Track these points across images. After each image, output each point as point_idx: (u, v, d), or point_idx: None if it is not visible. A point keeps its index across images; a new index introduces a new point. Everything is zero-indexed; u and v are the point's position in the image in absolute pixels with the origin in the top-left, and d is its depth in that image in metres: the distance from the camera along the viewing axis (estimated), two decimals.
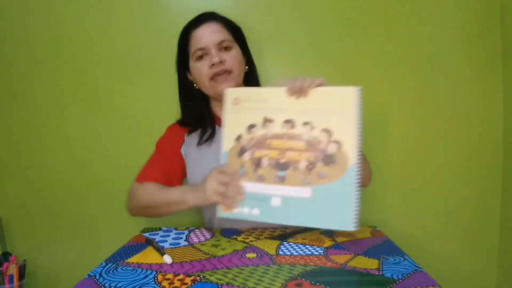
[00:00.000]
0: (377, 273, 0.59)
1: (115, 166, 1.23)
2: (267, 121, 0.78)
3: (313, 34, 1.19)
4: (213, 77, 0.90)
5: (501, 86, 1.17)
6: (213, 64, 0.89)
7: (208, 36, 0.90)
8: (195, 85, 0.97)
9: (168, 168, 0.95)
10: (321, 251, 0.70)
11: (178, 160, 0.97)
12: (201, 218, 1.05)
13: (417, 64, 1.19)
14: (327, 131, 0.74)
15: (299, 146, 0.75)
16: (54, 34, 1.22)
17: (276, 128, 0.77)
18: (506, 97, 1.16)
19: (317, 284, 0.56)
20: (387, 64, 1.19)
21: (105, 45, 1.22)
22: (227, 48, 0.91)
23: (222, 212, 0.80)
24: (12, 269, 1.08)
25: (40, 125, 1.24)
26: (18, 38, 1.23)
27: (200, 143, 0.95)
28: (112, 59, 1.22)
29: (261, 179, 0.77)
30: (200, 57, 0.91)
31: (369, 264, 0.63)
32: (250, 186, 0.78)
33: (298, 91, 0.76)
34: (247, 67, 0.98)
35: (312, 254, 0.69)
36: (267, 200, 0.76)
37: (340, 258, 0.66)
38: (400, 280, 0.56)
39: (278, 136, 0.77)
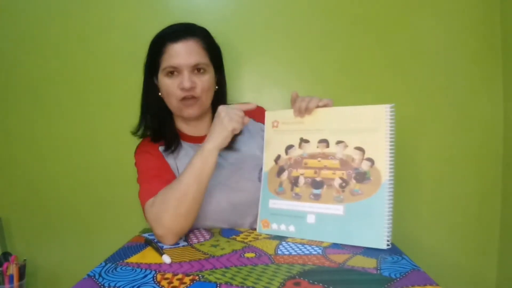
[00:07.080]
0: (375, 272, 0.59)
1: (115, 167, 1.24)
2: (303, 141, 0.81)
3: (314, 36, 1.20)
4: (181, 100, 0.88)
5: (501, 86, 1.17)
6: (183, 88, 0.86)
7: (183, 56, 0.85)
8: (160, 93, 0.93)
9: (166, 176, 0.87)
10: (320, 251, 0.70)
11: (169, 168, 0.91)
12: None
13: (417, 65, 1.19)
14: (360, 149, 0.75)
15: (333, 164, 0.77)
16: (54, 35, 1.22)
17: (312, 148, 0.80)
18: (506, 98, 1.16)
19: (316, 283, 0.56)
20: (386, 65, 1.19)
21: (105, 45, 1.22)
22: (200, 71, 0.88)
23: (262, 229, 0.84)
24: (12, 269, 1.09)
25: (40, 126, 1.25)
26: (18, 39, 1.23)
27: (166, 152, 0.92)
28: (113, 60, 1.22)
29: (297, 197, 0.80)
30: (171, 73, 0.87)
31: (367, 263, 0.63)
32: (287, 204, 0.81)
33: (303, 111, 0.79)
34: (217, 86, 0.96)
35: (310, 253, 0.69)
36: (302, 217, 0.79)
37: (339, 258, 0.67)
38: (398, 279, 0.56)
39: (314, 156, 0.79)
